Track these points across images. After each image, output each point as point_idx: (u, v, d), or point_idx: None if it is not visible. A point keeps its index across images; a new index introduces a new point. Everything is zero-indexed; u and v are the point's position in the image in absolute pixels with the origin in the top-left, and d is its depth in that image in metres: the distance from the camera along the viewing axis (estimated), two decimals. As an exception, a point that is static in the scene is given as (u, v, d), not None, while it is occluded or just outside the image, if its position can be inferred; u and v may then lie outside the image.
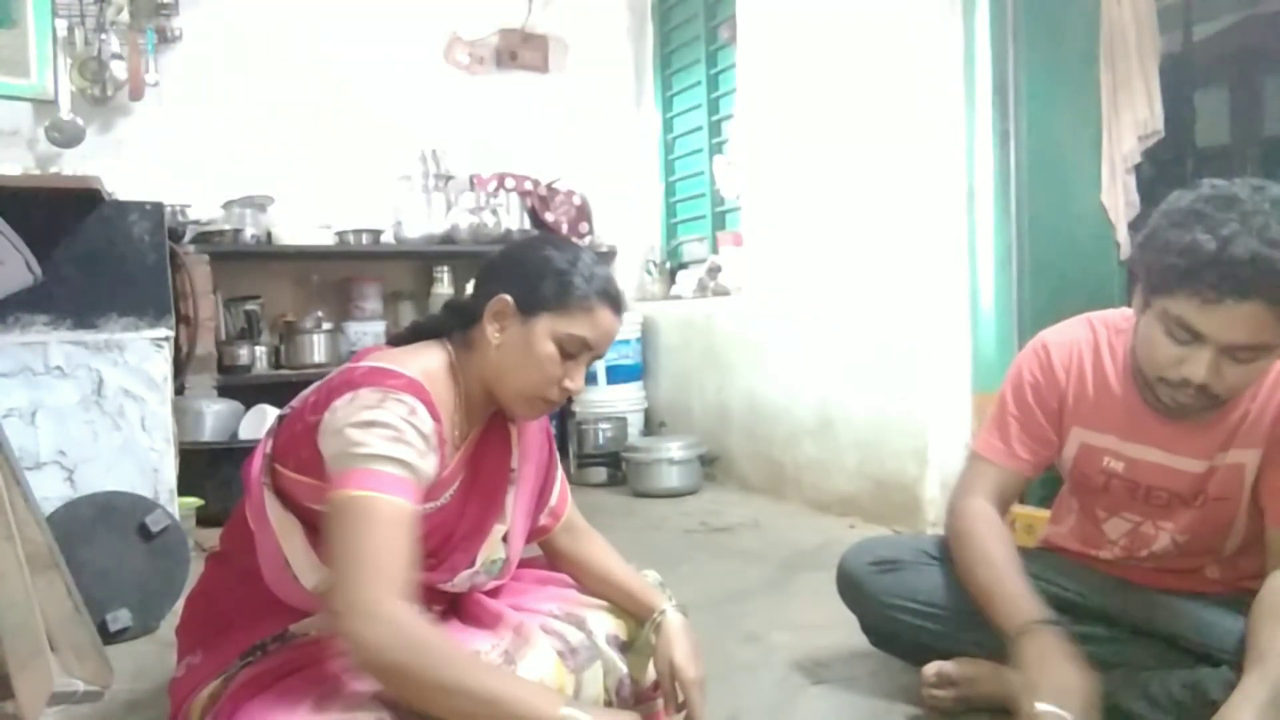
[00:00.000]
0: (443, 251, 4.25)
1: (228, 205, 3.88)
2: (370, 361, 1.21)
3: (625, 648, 1.36)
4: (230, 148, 3.97)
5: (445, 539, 1.26)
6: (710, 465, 3.81)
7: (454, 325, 1.31)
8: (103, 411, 2.25)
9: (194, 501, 2.81)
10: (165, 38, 3.84)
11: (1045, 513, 1.83)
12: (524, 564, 1.45)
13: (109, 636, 1.99)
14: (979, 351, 2.86)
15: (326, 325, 4.03)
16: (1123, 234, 2.75)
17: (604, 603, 1.39)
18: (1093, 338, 1.55)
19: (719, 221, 4.19)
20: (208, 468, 3.02)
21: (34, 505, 1.63)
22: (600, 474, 3.98)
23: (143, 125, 3.86)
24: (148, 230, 2.30)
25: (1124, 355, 1.50)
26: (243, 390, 3.61)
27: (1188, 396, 1.34)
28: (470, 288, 1.34)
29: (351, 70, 4.20)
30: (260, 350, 3.95)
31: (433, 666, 1.02)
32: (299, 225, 3.98)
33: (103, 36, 3.64)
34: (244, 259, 3.98)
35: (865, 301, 3.12)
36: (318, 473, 1.14)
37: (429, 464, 1.14)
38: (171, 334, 2.36)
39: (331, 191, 4.09)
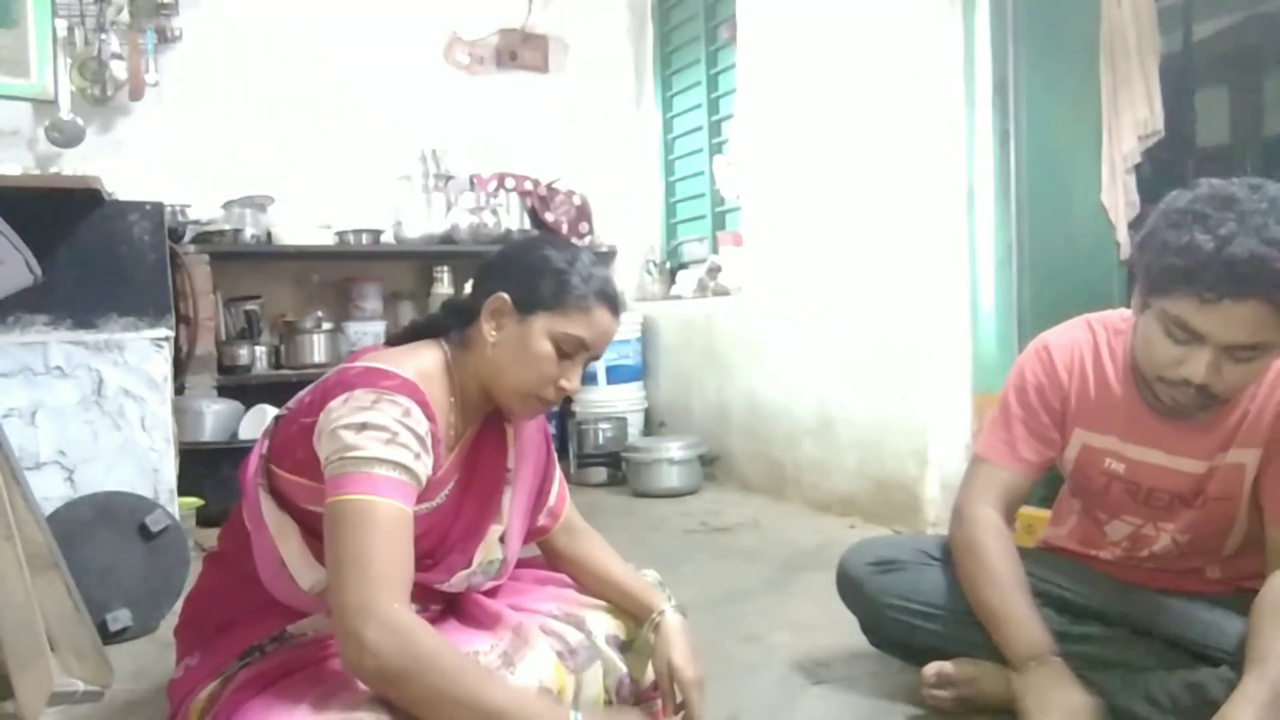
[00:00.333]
0: (443, 251, 4.25)
1: (228, 205, 3.88)
2: (365, 362, 1.20)
3: (625, 648, 1.36)
4: (230, 148, 3.97)
5: (441, 539, 1.26)
6: (710, 465, 3.81)
7: (451, 324, 1.31)
8: (103, 411, 2.25)
9: (194, 501, 2.81)
10: (165, 38, 3.84)
11: (1045, 513, 1.83)
12: (523, 564, 1.45)
13: (109, 636, 1.99)
14: (979, 352, 2.86)
15: (326, 325, 4.04)
16: (1123, 234, 2.75)
17: (603, 603, 1.39)
18: (1092, 339, 1.55)
19: (719, 221, 4.19)
20: (208, 468, 3.02)
21: (34, 505, 1.63)
22: (600, 474, 3.98)
23: (143, 125, 3.86)
24: (148, 230, 2.30)
25: (1123, 356, 1.50)
26: (243, 390, 3.61)
27: (1187, 396, 1.34)
28: (469, 288, 1.34)
29: (351, 70, 4.20)
30: (260, 350, 3.95)
31: (433, 673, 1.02)
32: (299, 225, 3.98)
33: (103, 36, 3.64)
34: (244, 259, 3.98)
35: (865, 301, 3.12)
36: (313, 474, 1.14)
37: (424, 465, 1.13)
38: (171, 334, 2.36)
39: (331, 191, 4.10)
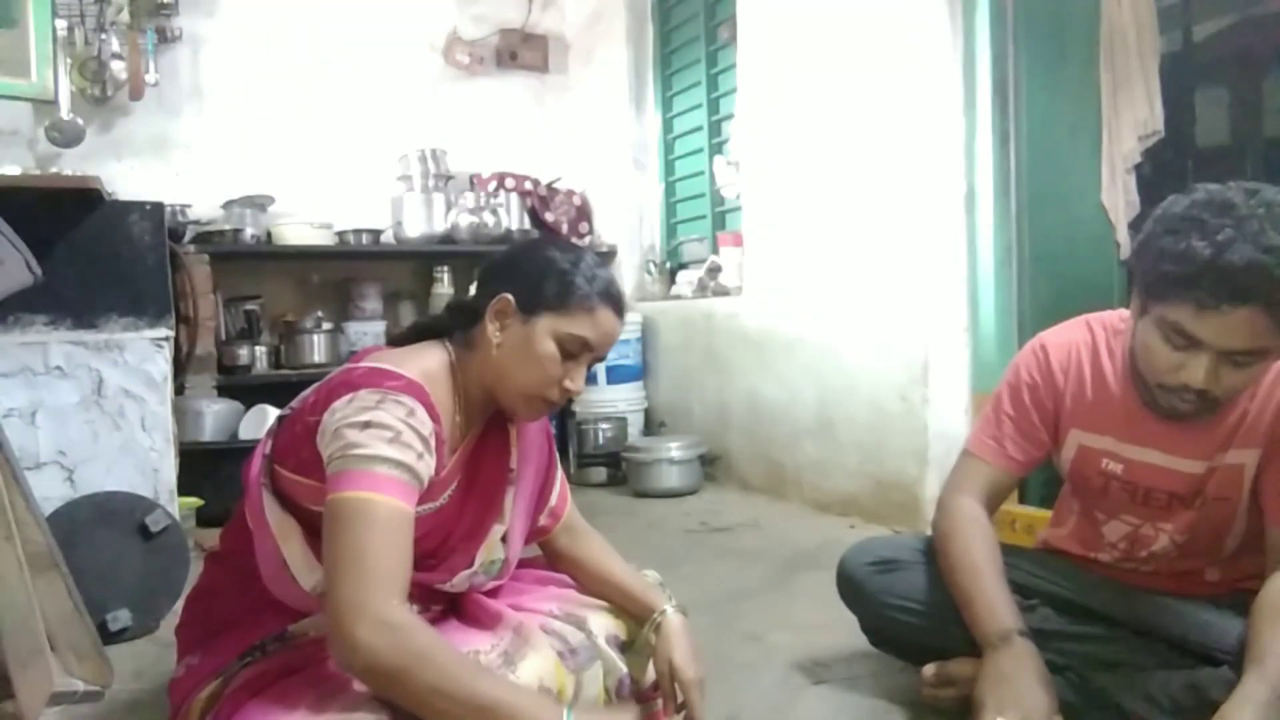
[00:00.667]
0: (443, 251, 4.25)
1: (228, 205, 3.88)
2: (369, 362, 1.20)
3: (625, 648, 1.36)
4: (230, 148, 3.97)
5: (443, 540, 1.26)
6: (710, 465, 3.81)
7: (455, 325, 1.31)
8: (103, 411, 2.25)
9: (194, 501, 2.81)
10: (165, 38, 3.84)
11: (1045, 513, 1.83)
12: (524, 564, 1.45)
13: (109, 636, 1.99)
14: (979, 351, 2.86)
15: (326, 325, 4.03)
16: (1123, 234, 2.75)
17: (604, 603, 1.39)
18: (1091, 339, 1.55)
19: (719, 221, 4.19)
20: (208, 468, 3.02)
21: (34, 505, 1.62)
22: (600, 474, 3.98)
23: (143, 125, 3.86)
24: (148, 230, 2.31)
25: (1122, 356, 1.50)
26: (243, 390, 3.61)
27: (1187, 402, 1.35)
28: (471, 288, 1.34)
29: (352, 70, 4.20)
30: (260, 350, 3.95)
31: (430, 671, 1.02)
32: (299, 225, 3.98)
33: (103, 36, 3.64)
34: (244, 259, 3.98)
35: (865, 301, 3.12)
36: (317, 474, 1.13)
37: (426, 465, 1.13)
38: (171, 334, 2.36)
39: (331, 191, 4.10)
